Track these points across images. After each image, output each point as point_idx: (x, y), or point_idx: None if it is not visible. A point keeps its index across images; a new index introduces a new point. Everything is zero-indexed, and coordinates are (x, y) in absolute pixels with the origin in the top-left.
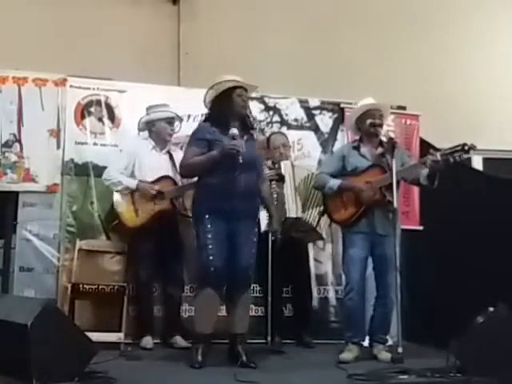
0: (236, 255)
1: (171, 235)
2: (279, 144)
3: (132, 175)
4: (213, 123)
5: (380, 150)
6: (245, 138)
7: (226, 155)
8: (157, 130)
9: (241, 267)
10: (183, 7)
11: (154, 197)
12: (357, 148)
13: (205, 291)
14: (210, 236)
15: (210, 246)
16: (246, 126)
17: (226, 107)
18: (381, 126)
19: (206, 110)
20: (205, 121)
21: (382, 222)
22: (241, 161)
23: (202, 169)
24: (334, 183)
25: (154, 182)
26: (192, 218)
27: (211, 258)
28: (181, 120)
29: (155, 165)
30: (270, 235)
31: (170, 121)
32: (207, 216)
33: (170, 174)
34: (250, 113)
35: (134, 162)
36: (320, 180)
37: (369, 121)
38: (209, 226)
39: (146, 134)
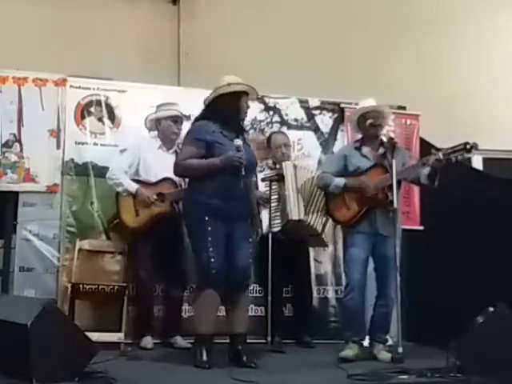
0: (234, 256)
1: (172, 236)
2: (281, 143)
3: (136, 174)
4: (216, 122)
5: (381, 150)
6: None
7: (229, 166)
8: (162, 128)
9: (240, 267)
10: (183, 7)
11: (155, 199)
12: (359, 148)
13: (206, 292)
14: (210, 238)
15: (211, 249)
16: (242, 128)
17: (233, 110)
18: (380, 126)
19: None
20: (203, 118)
21: (384, 223)
22: (243, 173)
23: (199, 173)
24: (340, 181)
25: (155, 184)
26: (186, 220)
27: (212, 260)
28: (187, 119)
29: (160, 164)
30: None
31: (175, 119)
32: (207, 218)
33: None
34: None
35: (139, 160)
36: (324, 179)
37: (368, 121)
38: (208, 228)
39: (154, 133)
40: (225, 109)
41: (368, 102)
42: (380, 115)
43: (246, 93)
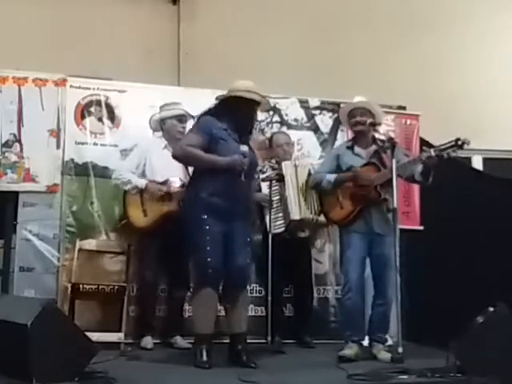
0: (233, 255)
1: (178, 236)
2: (283, 142)
3: (143, 174)
4: (224, 121)
5: (374, 147)
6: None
7: (231, 169)
8: (167, 128)
9: (238, 267)
10: (183, 7)
11: (163, 198)
12: (351, 147)
13: (203, 291)
14: (208, 238)
15: (208, 248)
16: (248, 133)
17: (247, 116)
18: (368, 124)
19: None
20: (211, 114)
21: (379, 222)
22: (243, 178)
23: (199, 165)
24: (331, 176)
25: (162, 183)
26: (185, 218)
27: (209, 259)
28: (192, 118)
29: (166, 164)
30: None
31: (180, 118)
32: (205, 216)
33: (181, 174)
34: None
35: (145, 161)
36: (316, 178)
37: (352, 120)
38: (207, 227)
39: (158, 133)
40: (238, 111)
41: (354, 100)
42: (367, 112)
43: (259, 103)
